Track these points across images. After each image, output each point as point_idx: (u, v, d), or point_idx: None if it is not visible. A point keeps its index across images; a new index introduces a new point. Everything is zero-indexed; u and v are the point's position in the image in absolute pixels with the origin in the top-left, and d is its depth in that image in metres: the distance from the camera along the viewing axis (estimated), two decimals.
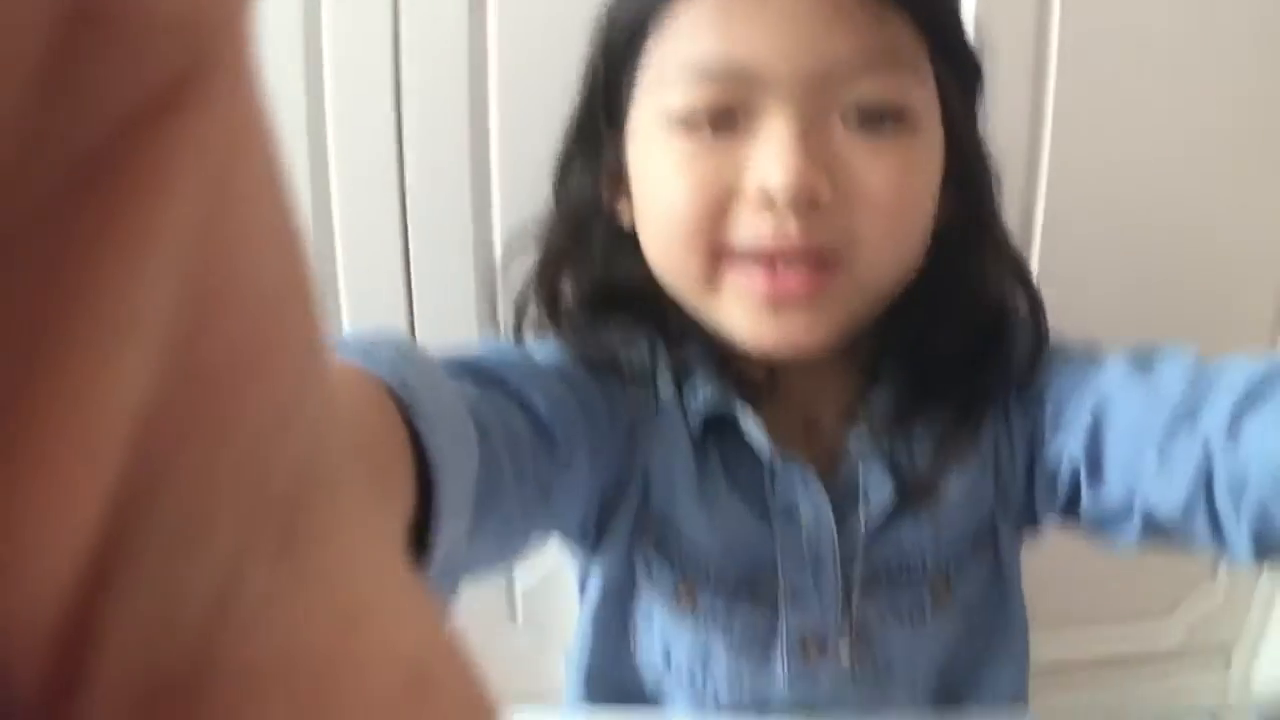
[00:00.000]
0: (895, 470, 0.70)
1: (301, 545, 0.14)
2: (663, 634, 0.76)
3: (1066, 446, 0.68)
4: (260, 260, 0.13)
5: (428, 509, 0.39)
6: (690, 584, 0.73)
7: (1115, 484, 0.65)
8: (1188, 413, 0.59)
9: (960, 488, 0.71)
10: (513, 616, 1.28)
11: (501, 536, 0.58)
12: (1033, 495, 0.73)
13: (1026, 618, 0.80)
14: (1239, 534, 0.56)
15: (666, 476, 0.71)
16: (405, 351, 0.44)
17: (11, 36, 0.10)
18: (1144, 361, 0.65)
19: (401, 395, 0.39)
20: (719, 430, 0.71)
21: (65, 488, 0.11)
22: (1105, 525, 0.68)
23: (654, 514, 0.72)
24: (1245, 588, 1.41)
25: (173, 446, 0.13)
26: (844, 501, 0.71)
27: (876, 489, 0.70)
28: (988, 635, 0.78)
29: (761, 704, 0.76)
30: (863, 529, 0.70)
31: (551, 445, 0.61)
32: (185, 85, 0.12)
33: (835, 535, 0.70)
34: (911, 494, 0.70)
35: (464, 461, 0.45)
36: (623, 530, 0.73)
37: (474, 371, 0.59)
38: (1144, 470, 0.61)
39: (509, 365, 0.62)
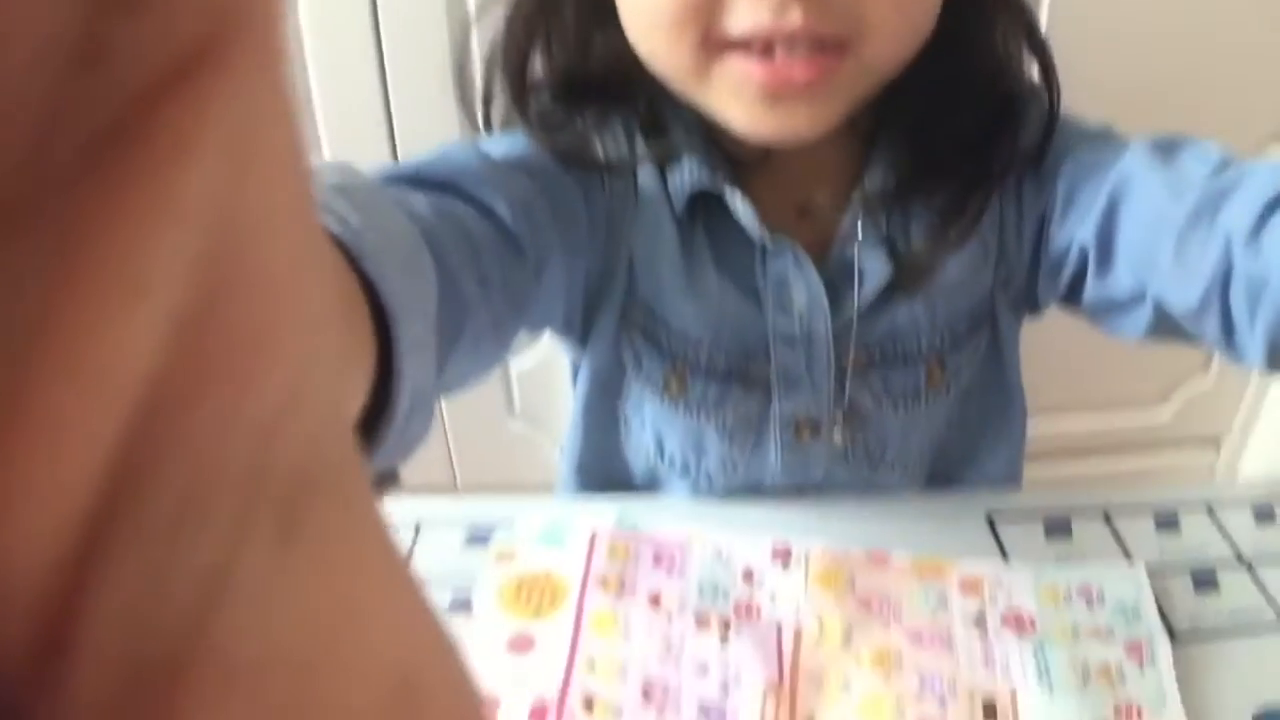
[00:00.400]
0: (891, 249, 0.68)
1: (301, 538, 0.14)
2: (654, 424, 0.77)
3: (1077, 231, 0.65)
4: (277, 237, 0.13)
5: (387, 349, 0.37)
6: (680, 372, 0.71)
7: (1125, 273, 0.64)
8: (1210, 207, 0.56)
9: (958, 267, 0.68)
10: (510, 408, 1.31)
11: (476, 354, 0.57)
12: (1036, 278, 0.72)
13: (1024, 400, 0.80)
14: (1251, 339, 0.55)
15: (651, 264, 0.69)
16: (342, 183, 0.42)
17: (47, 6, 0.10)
18: (1167, 150, 0.61)
19: (345, 238, 0.37)
20: (706, 212, 0.67)
21: (61, 451, 0.11)
22: (1111, 314, 0.67)
23: (640, 303, 0.70)
24: (1237, 378, 1.43)
25: (176, 423, 0.12)
26: (837, 282, 0.68)
27: (871, 268, 0.67)
28: (984, 418, 0.78)
29: (754, 487, 0.77)
30: (856, 309, 0.68)
31: (518, 252, 0.59)
32: (209, 53, 0.11)
33: (829, 316, 0.68)
34: (907, 274, 0.67)
35: (421, 295, 0.43)
36: (609, 322, 0.71)
37: (428, 182, 0.55)
38: (1159, 262, 0.59)
39: (466, 171, 0.58)
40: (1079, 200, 0.65)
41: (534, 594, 0.65)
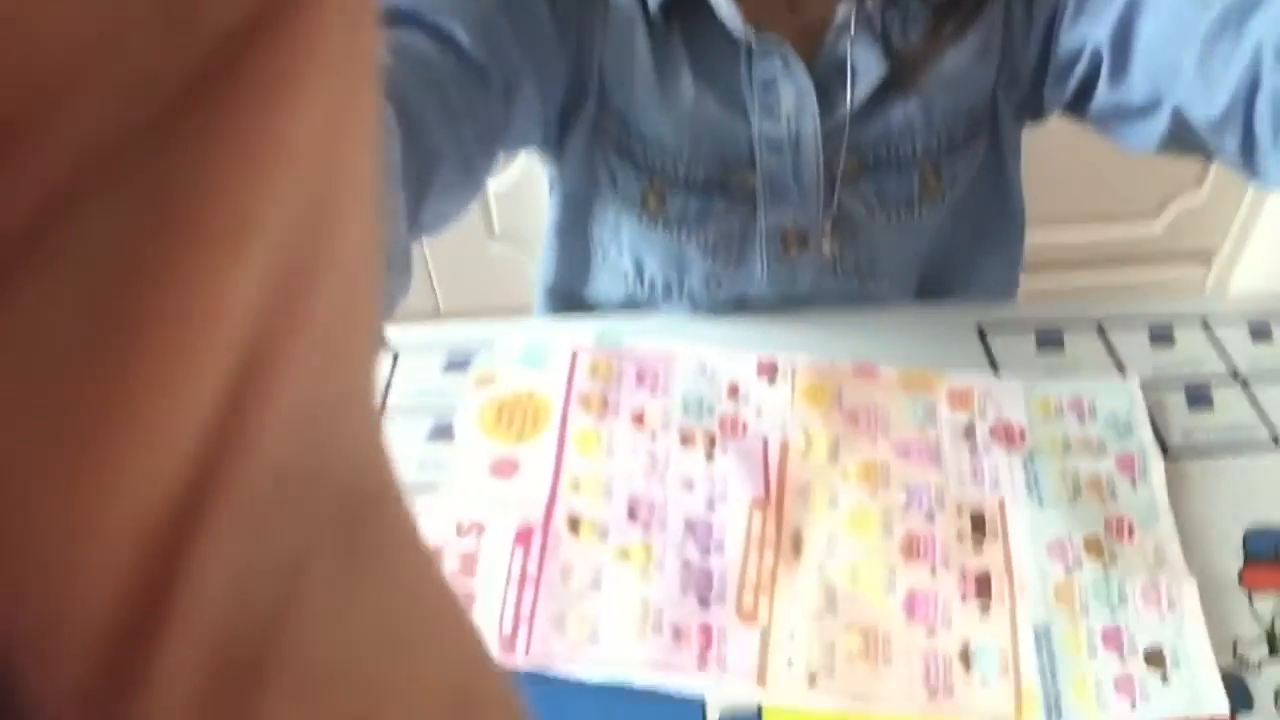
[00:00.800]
0: (885, 44, 0.64)
1: (363, 550, 0.14)
2: (633, 247, 0.73)
3: (1091, 32, 0.61)
4: (360, 212, 0.13)
5: None
6: (658, 188, 0.68)
7: (1142, 81, 0.59)
8: (1239, 15, 0.52)
9: (956, 64, 0.64)
10: (490, 230, 1.28)
11: (450, 196, 0.56)
12: (1043, 80, 0.68)
13: (1024, 211, 0.77)
14: (1274, 157, 0.52)
15: (622, 75, 0.64)
16: None
17: None
18: None
19: None
20: (683, 15, 0.63)
21: (171, 398, 0.11)
22: (1121, 123, 0.64)
23: (613, 117, 0.66)
24: (1231, 194, 1.41)
25: (268, 395, 0.12)
26: (828, 83, 0.64)
27: (865, 65, 0.63)
28: (983, 228, 0.76)
29: (739, 303, 0.74)
30: (849, 109, 0.64)
31: (484, 81, 0.56)
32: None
33: (818, 118, 0.64)
34: (902, 70, 0.63)
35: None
36: (581, 138, 0.68)
37: (384, 13, 0.50)
38: (1180, 71, 0.55)
39: None
40: (1094, 1, 0.61)
41: (516, 417, 0.64)
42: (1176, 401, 0.66)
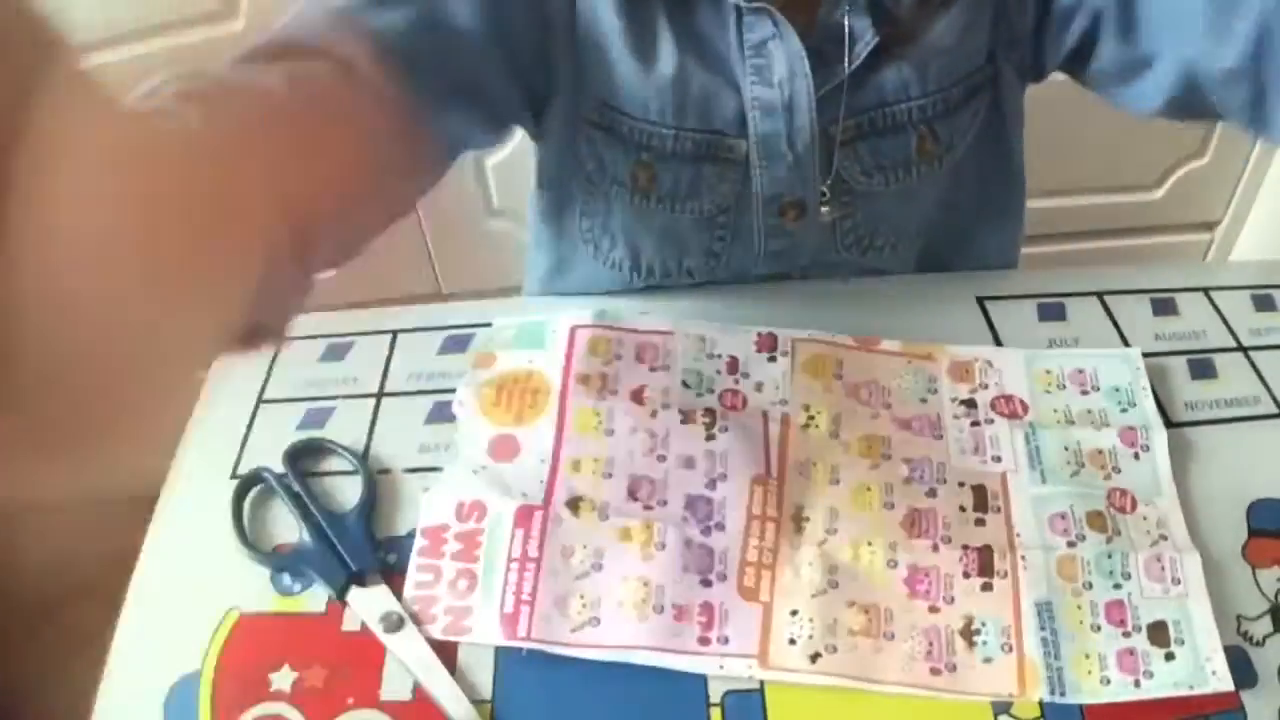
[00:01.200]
0: (878, 7, 0.62)
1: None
2: (627, 232, 0.73)
3: None
4: None
5: None
6: (647, 164, 0.67)
7: (1149, 36, 0.58)
8: None
9: (951, 27, 0.63)
10: (489, 206, 1.27)
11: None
12: (1042, 38, 0.67)
13: (1024, 179, 0.76)
14: None
15: (597, 51, 0.63)
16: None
17: None
18: None
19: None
20: None
21: None
22: (1122, 83, 0.63)
23: (592, 97, 0.66)
24: (1233, 163, 1.40)
25: None
26: (822, 47, 0.63)
27: (860, 29, 0.62)
28: (983, 195, 0.75)
29: (739, 280, 0.74)
30: (846, 72, 0.63)
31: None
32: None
33: (811, 81, 0.63)
34: (897, 33, 0.62)
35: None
36: (560, 124, 0.67)
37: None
38: (1190, 21, 0.54)
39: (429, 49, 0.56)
40: None
41: (514, 398, 0.63)
42: (1179, 372, 0.66)
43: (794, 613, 0.53)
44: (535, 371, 0.64)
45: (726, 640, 0.52)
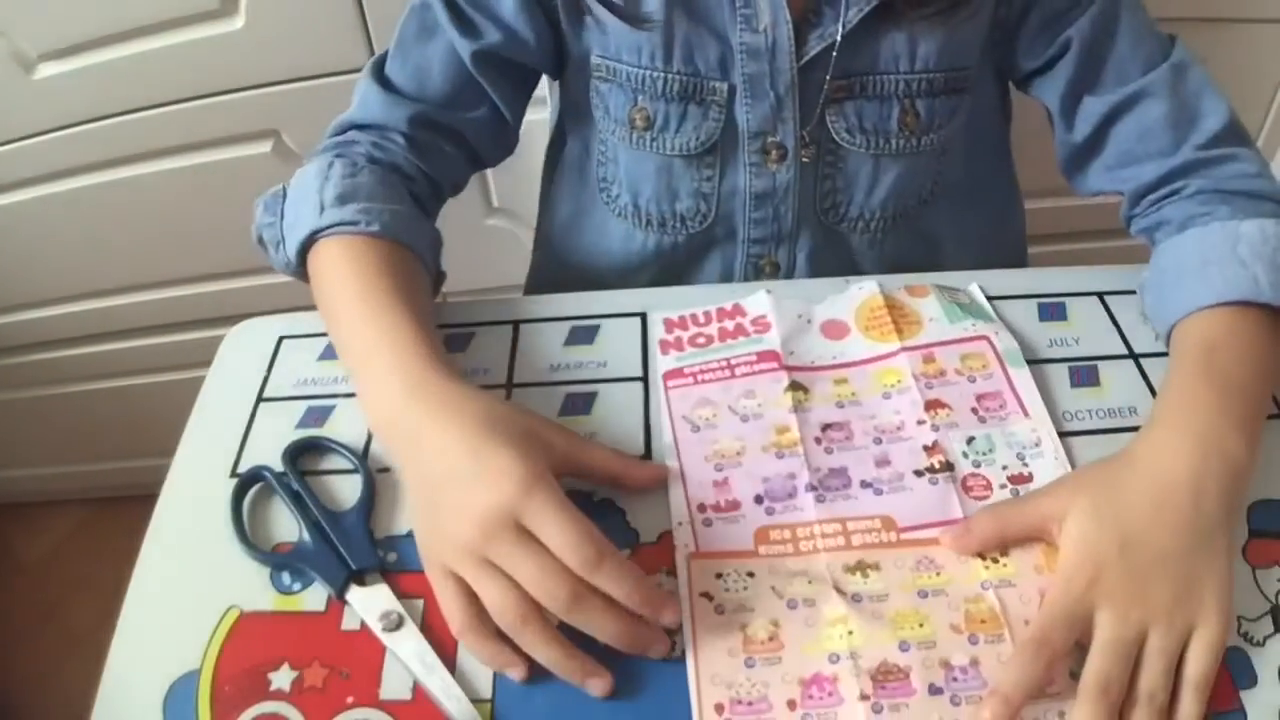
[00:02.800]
0: None
1: None
2: (629, 175, 0.78)
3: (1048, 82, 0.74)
4: None
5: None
6: (642, 106, 0.74)
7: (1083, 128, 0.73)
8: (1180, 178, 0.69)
9: (946, 10, 0.68)
10: (488, 204, 1.27)
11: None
12: (1014, 48, 0.74)
13: (1014, 173, 0.82)
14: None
15: (596, 9, 0.71)
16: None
17: None
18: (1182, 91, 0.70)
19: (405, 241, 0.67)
20: None
21: None
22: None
23: (592, 48, 0.74)
24: None
25: None
26: (822, 3, 0.69)
27: None
28: (971, 184, 0.78)
29: (729, 235, 0.79)
30: (840, 34, 0.68)
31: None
32: None
33: (791, 29, 0.69)
34: (894, 3, 0.68)
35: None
36: (574, 75, 0.77)
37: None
38: (1116, 162, 0.73)
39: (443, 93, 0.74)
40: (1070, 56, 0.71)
41: None
42: None
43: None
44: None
45: None
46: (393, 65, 0.74)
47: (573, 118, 0.81)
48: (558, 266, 0.88)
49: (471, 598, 0.52)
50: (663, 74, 0.72)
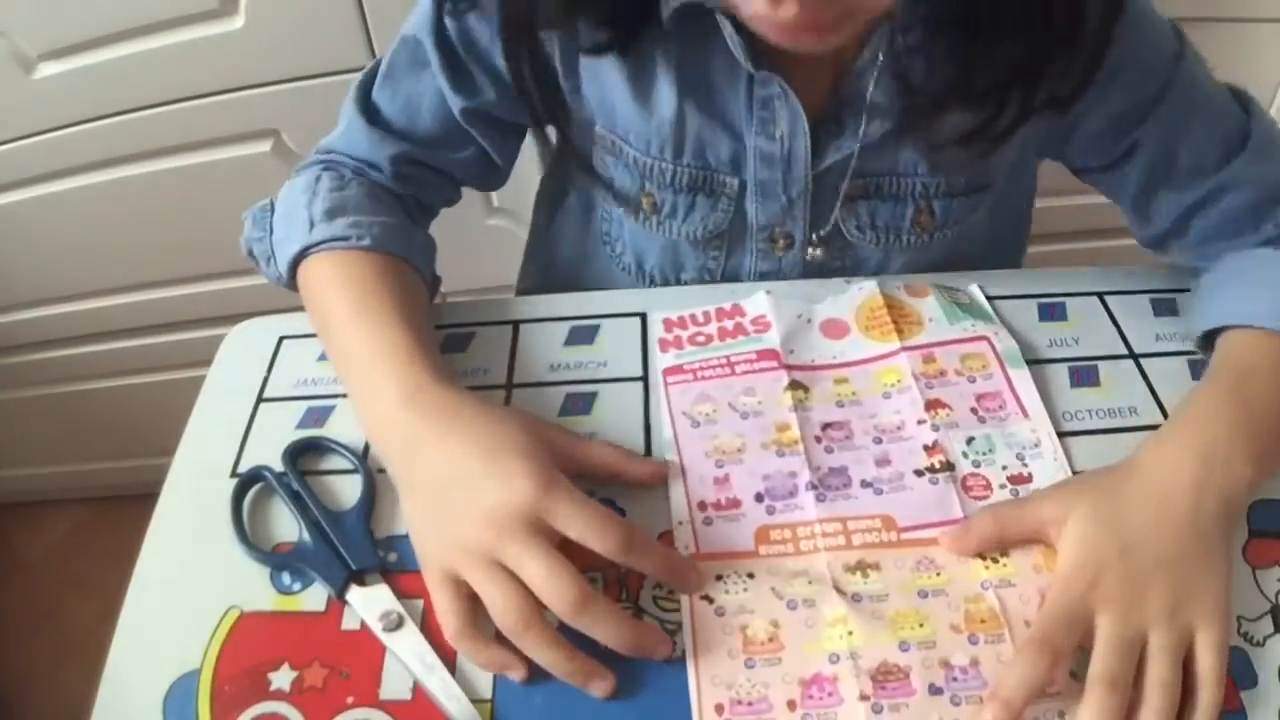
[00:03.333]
0: (904, 84, 0.63)
1: None
2: (633, 243, 0.76)
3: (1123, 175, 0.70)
4: None
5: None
6: (649, 191, 0.71)
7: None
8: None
9: (969, 121, 0.62)
10: (488, 204, 1.27)
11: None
12: (1067, 147, 0.71)
13: (1030, 216, 0.81)
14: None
15: (601, 90, 0.68)
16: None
17: None
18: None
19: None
20: (689, 30, 0.63)
21: None
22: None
23: (602, 126, 0.70)
24: None
25: None
26: (842, 111, 0.66)
27: (883, 102, 0.64)
28: (980, 250, 0.76)
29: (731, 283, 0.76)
30: (858, 145, 0.66)
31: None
32: None
33: (808, 140, 0.66)
34: (917, 112, 0.64)
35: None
36: (581, 140, 0.72)
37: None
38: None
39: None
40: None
41: None
42: (1180, 373, 0.66)
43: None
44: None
45: None
46: (381, 94, 0.71)
47: (574, 170, 0.78)
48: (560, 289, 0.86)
49: (467, 603, 0.52)
50: (672, 166, 0.69)
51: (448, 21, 0.67)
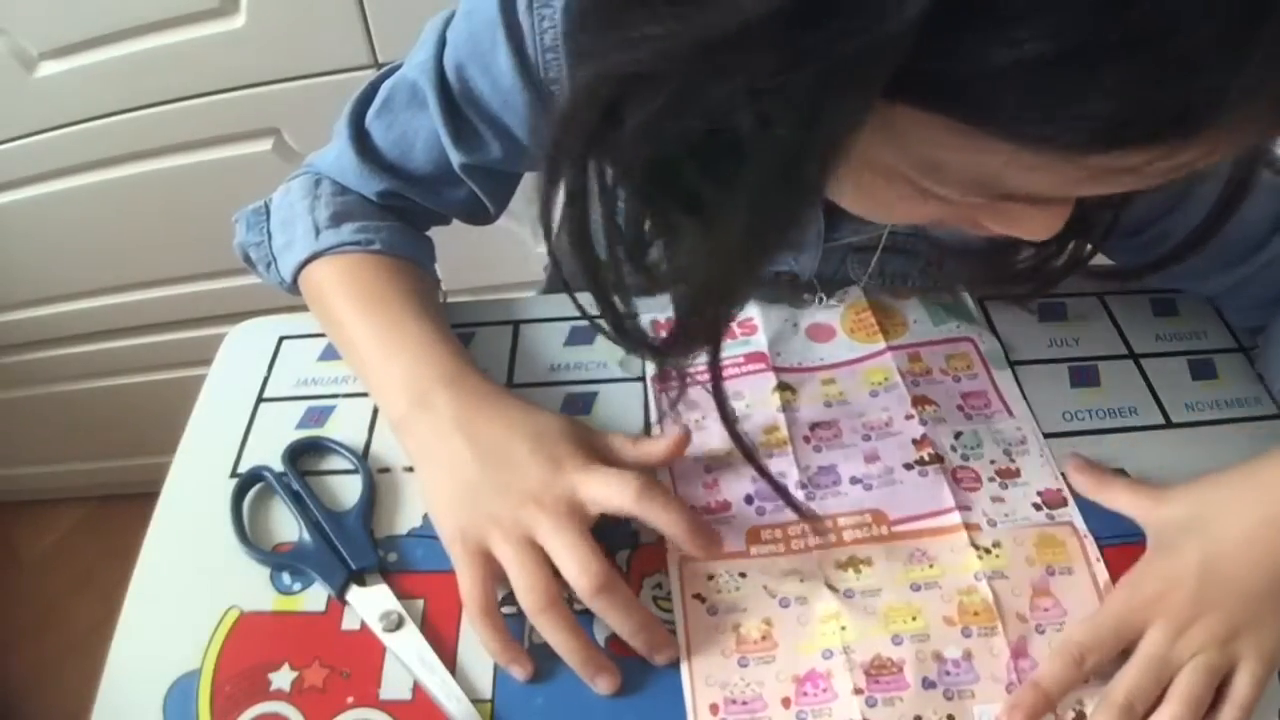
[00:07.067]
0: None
1: None
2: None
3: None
4: None
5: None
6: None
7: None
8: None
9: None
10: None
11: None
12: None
13: None
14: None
15: None
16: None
17: None
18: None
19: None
20: None
21: None
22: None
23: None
24: None
25: None
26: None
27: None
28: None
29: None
30: (876, 256, 0.68)
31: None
32: None
33: (821, 235, 0.65)
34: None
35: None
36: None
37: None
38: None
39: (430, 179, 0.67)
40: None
41: None
42: (1180, 373, 0.66)
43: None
44: None
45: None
46: (376, 124, 0.66)
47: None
48: None
49: (493, 584, 0.52)
50: None
51: (450, 78, 0.61)
